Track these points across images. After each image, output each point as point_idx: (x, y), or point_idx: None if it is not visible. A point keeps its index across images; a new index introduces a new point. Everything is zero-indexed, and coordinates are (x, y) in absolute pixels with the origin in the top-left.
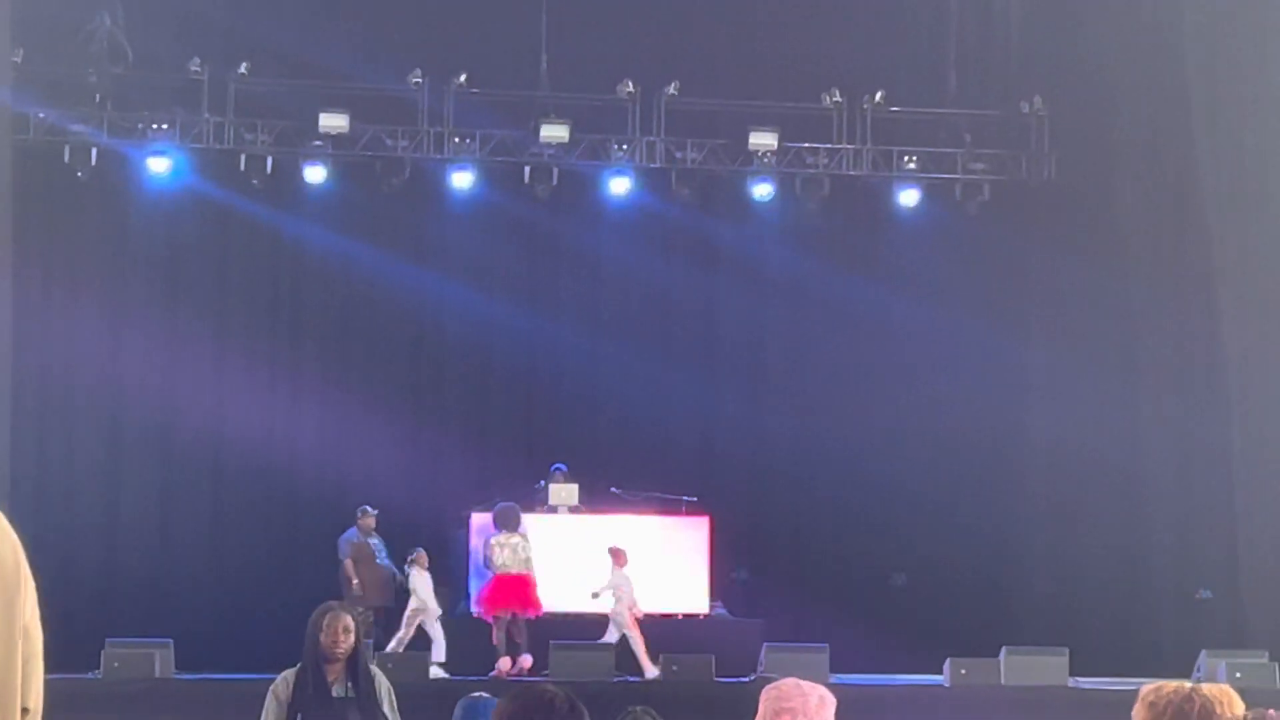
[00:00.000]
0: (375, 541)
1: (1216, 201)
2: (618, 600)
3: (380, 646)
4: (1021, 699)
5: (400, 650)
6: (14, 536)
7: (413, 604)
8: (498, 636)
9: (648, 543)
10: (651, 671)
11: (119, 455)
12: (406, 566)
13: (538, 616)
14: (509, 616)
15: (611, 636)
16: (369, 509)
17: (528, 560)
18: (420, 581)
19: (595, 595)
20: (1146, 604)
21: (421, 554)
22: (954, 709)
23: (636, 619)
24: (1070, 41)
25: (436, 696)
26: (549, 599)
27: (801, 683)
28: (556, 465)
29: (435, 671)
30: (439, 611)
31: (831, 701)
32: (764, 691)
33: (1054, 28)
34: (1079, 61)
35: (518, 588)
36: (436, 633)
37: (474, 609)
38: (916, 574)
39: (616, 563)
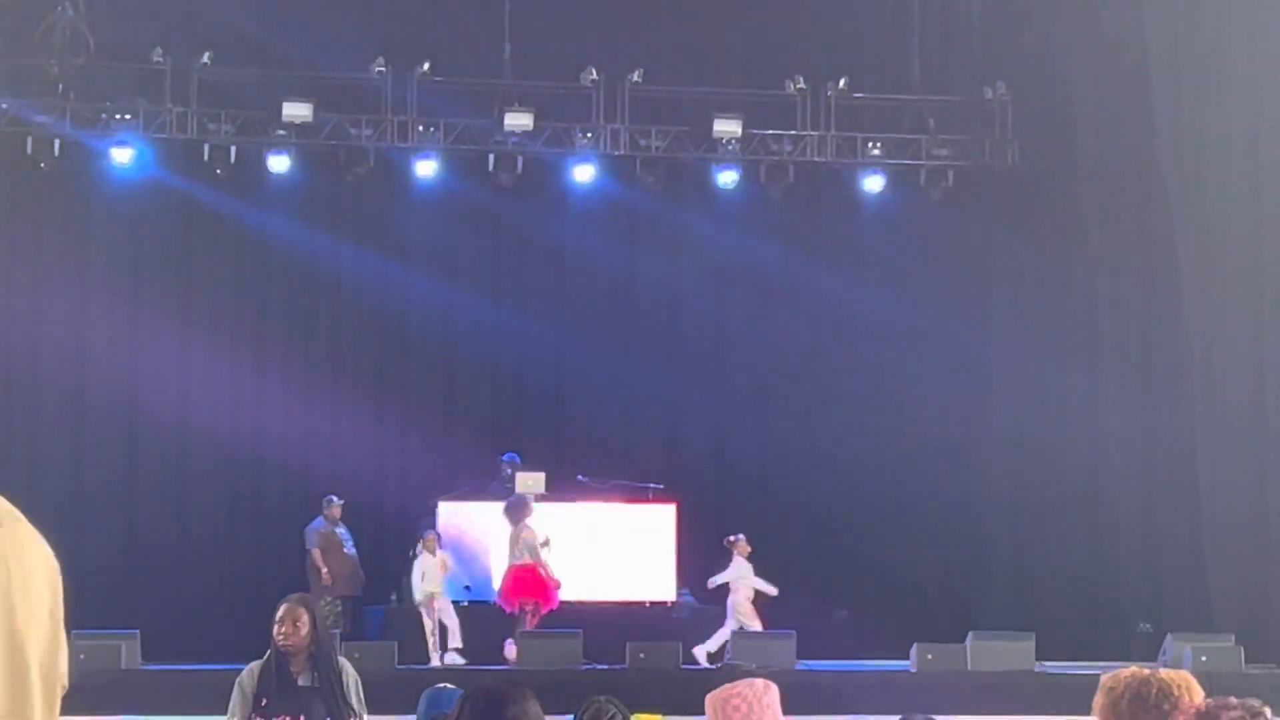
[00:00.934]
0: (342, 530)
1: (1179, 188)
2: (736, 590)
3: (353, 636)
4: (988, 684)
5: (434, 640)
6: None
7: (425, 588)
8: (523, 625)
9: (614, 530)
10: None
11: (84, 446)
12: (415, 550)
13: (550, 609)
14: (531, 607)
15: (730, 627)
16: (335, 499)
17: (533, 550)
18: (428, 566)
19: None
20: (1112, 588)
21: (430, 536)
22: (921, 694)
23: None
24: (1032, 27)
25: (403, 686)
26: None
27: (747, 678)
28: (509, 455)
29: (451, 658)
30: (445, 593)
31: (774, 688)
32: (707, 700)
33: (1015, 13)
34: (1041, 47)
35: (529, 578)
36: (449, 619)
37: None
38: (882, 561)
39: (738, 551)
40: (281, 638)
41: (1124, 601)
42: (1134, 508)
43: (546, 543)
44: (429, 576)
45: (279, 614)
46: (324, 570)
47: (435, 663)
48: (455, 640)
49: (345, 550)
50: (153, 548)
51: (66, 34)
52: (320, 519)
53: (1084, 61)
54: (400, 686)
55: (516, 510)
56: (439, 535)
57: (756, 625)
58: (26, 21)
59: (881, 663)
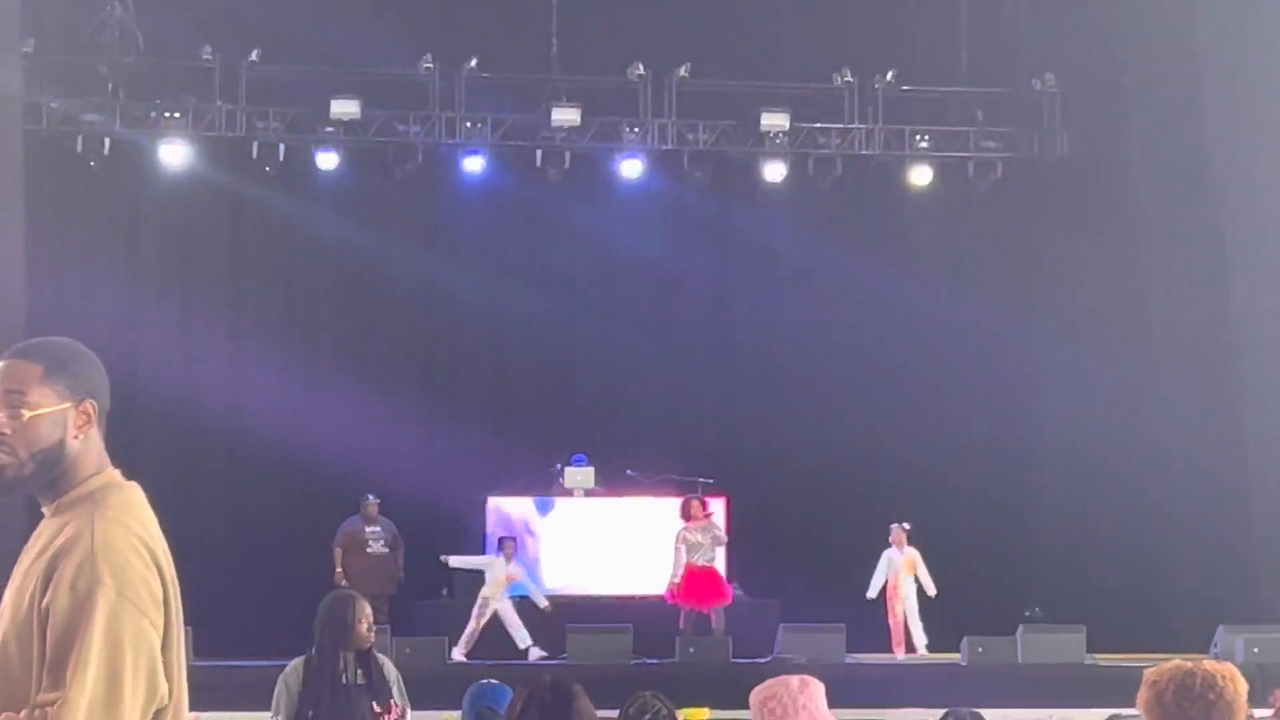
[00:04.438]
0: (373, 529)
1: (1230, 179)
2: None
3: (397, 632)
4: (1039, 676)
5: (470, 644)
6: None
7: (483, 591)
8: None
9: (665, 525)
10: (901, 656)
11: (134, 444)
12: (497, 550)
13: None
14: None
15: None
16: (370, 497)
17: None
18: (497, 571)
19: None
20: (1163, 580)
21: (508, 541)
22: (971, 687)
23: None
24: (1081, 17)
25: (453, 681)
26: (564, 581)
27: (782, 676)
28: (578, 456)
29: (534, 653)
30: (504, 597)
31: (815, 682)
32: (750, 697)
33: (1064, 4)
34: (1090, 37)
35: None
36: (510, 617)
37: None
38: (932, 553)
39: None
40: (367, 632)
41: (1175, 593)
42: (1184, 499)
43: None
44: (491, 581)
45: (354, 610)
46: (338, 570)
47: (457, 657)
48: (524, 638)
49: (368, 549)
50: (204, 543)
51: (116, 33)
52: (355, 516)
53: (1133, 52)
54: (450, 681)
55: (680, 511)
56: (515, 541)
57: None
58: (76, 21)
59: (932, 655)
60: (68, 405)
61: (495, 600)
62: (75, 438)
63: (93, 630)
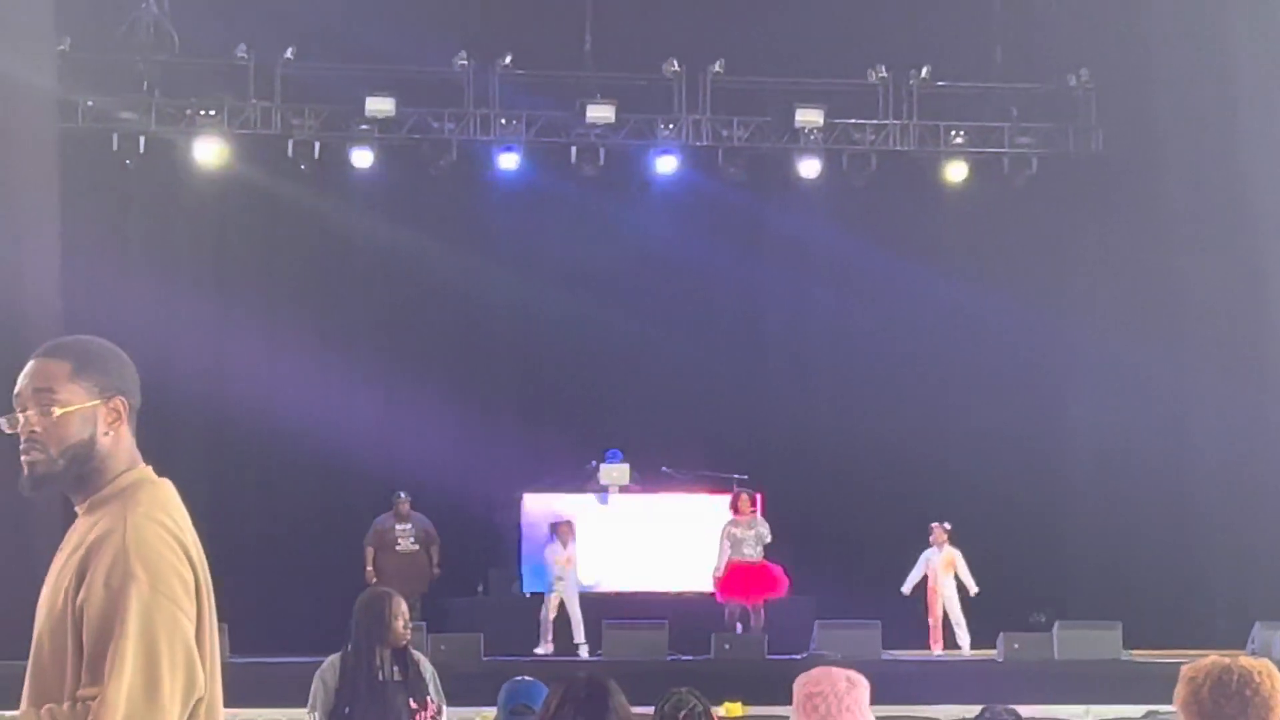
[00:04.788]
0: (404, 527)
1: (1265, 175)
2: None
3: (434, 628)
4: (1075, 673)
5: (550, 626)
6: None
7: (548, 578)
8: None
9: (700, 521)
10: (939, 651)
11: (169, 441)
12: (550, 537)
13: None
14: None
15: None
16: (402, 494)
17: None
18: (557, 555)
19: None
20: (1199, 576)
21: (562, 525)
22: (1008, 683)
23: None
24: (1116, 13)
25: (490, 678)
26: (599, 577)
27: (830, 669)
28: (612, 451)
29: (582, 650)
30: (575, 586)
31: (862, 683)
32: (795, 683)
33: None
34: (1125, 33)
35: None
36: (573, 610)
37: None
38: (967, 549)
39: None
40: (403, 629)
41: (1211, 589)
42: (1220, 494)
43: None
44: (553, 567)
45: (395, 607)
46: (368, 569)
47: (538, 650)
48: (580, 634)
49: (398, 548)
50: (238, 540)
51: (150, 31)
52: (387, 514)
53: (1168, 48)
54: (487, 678)
55: (730, 504)
56: (570, 524)
57: (936, 612)
58: (111, 19)
59: (968, 652)
60: (97, 402)
61: (559, 588)
62: (105, 434)
63: (128, 624)
